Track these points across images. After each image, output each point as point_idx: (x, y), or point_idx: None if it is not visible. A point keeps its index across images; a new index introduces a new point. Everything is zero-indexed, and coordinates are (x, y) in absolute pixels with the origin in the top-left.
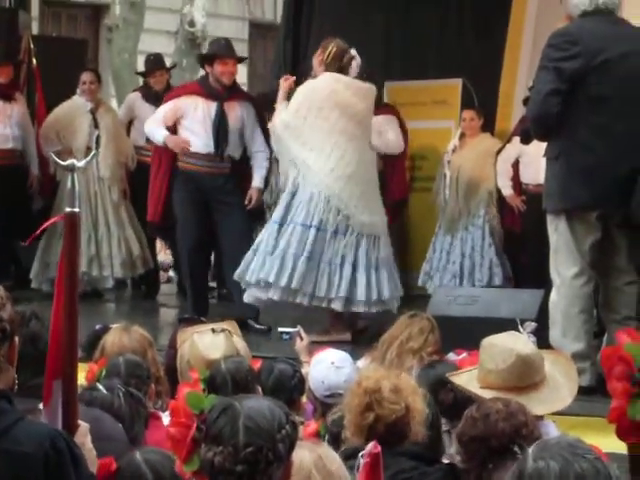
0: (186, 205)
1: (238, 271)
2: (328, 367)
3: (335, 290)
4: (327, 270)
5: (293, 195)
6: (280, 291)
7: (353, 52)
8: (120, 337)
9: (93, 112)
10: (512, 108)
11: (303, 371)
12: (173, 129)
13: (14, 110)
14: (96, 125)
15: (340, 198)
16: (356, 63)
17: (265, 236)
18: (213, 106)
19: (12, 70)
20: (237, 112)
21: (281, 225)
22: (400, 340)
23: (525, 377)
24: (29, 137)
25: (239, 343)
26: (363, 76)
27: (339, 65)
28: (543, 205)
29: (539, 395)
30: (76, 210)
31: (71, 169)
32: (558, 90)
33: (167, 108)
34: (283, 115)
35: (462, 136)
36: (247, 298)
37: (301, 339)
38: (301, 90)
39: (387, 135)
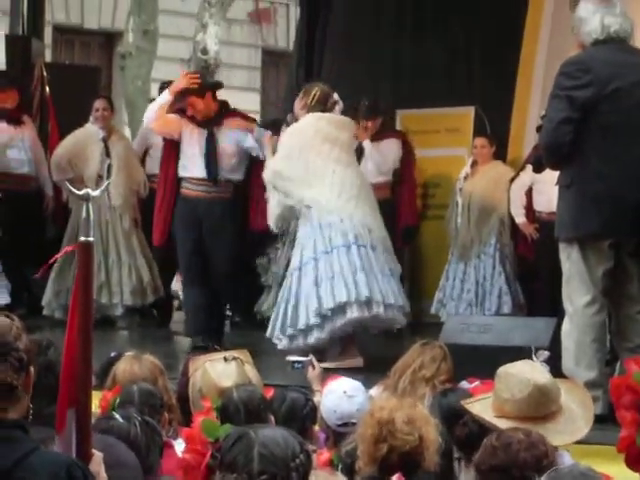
0: (183, 225)
1: (314, 307)
2: (340, 396)
3: (401, 299)
4: (385, 279)
5: (320, 226)
6: (356, 306)
7: (336, 96)
8: (131, 365)
9: (105, 140)
10: (524, 136)
11: (315, 400)
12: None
13: (25, 134)
14: (108, 153)
15: (358, 215)
16: (339, 107)
17: (322, 267)
18: (204, 132)
19: (18, 94)
20: (230, 134)
21: (327, 253)
22: (413, 368)
23: (542, 407)
24: (41, 159)
25: (251, 371)
26: (366, 104)
27: (323, 109)
28: (555, 233)
29: (556, 425)
30: (91, 239)
31: (86, 198)
32: (570, 118)
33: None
34: (272, 165)
35: (474, 164)
36: (319, 337)
37: (313, 368)
38: (286, 136)
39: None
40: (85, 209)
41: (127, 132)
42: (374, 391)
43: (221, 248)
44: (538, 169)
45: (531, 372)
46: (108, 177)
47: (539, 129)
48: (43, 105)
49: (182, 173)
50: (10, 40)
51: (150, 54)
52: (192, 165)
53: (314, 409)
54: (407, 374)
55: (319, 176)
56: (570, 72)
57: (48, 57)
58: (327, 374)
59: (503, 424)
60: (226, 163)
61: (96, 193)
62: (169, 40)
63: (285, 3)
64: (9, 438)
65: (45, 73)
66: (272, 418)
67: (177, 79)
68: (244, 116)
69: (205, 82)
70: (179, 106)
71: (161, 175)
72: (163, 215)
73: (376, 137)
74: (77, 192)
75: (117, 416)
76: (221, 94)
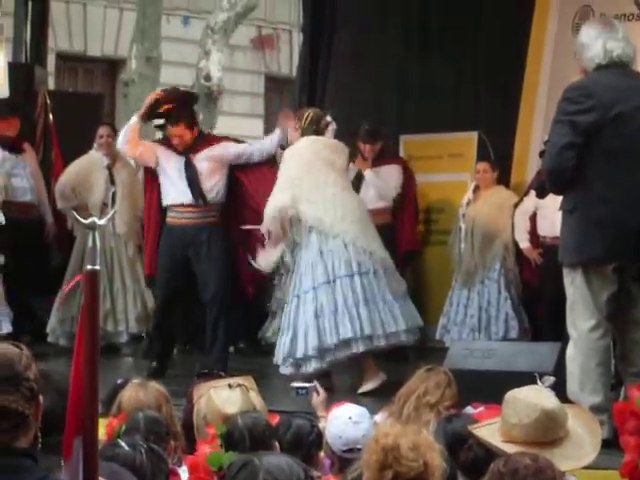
0: (166, 258)
1: (314, 342)
2: (346, 422)
3: (403, 322)
4: (387, 306)
5: (321, 253)
6: (361, 342)
7: (329, 118)
8: (137, 392)
9: (109, 167)
10: (527, 160)
11: (320, 426)
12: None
13: (26, 162)
14: (112, 181)
15: (360, 239)
16: (332, 128)
17: (324, 299)
18: (182, 160)
19: (19, 122)
20: (206, 156)
21: (328, 283)
22: (417, 394)
23: (549, 432)
24: (41, 187)
25: (255, 398)
26: (366, 128)
27: (316, 128)
28: (559, 258)
29: (562, 451)
30: (97, 268)
31: (92, 227)
32: (573, 144)
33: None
34: (275, 195)
35: (476, 189)
36: (318, 366)
37: (317, 394)
38: (284, 162)
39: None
40: (91, 238)
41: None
42: (379, 417)
43: (210, 273)
44: (541, 194)
45: (538, 397)
46: (113, 204)
47: (542, 154)
48: (47, 133)
49: (166, 201)
50: (13, 67)
51: (153, 81)
52: (175, 192)
53: (320, 435)
54: (411, 400)
55: (321, 196)
56: (573, 97)
57: (51, 85)
58: (332, 400)
59: (510, 449)
60: (206, 185)
61: (102, 222)
62: (172, 67)
63: (288, 29)
64: (19, 467)
65: (48, 101)
66: (277, 445)
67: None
68: (224, 138)
69: (182, 113)
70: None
71: (145, 205)
72: (150, 245)
73: (376, 163)
74: (83, 221)
75: (122, 444)
76: (224, 120)
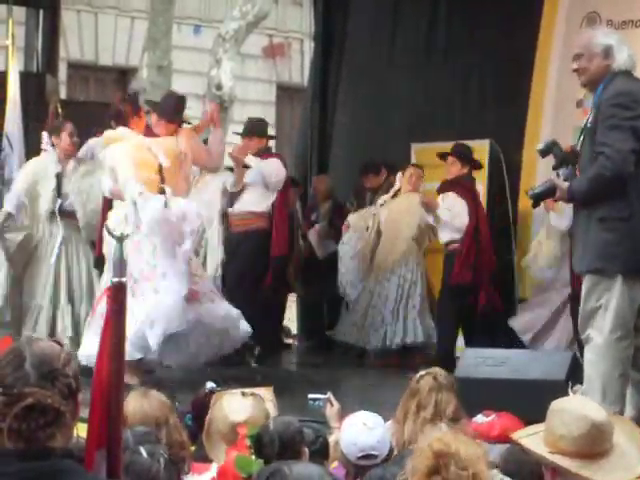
0: None
1: None
2: (360, 429)
3: None
4: None
5: None
6: None
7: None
8: (141, 404)
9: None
10: (536, 168)
11: (333, 437)
12: None
13: None
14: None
15: None
16: None
17: None
18: None
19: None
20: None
21: None
22: (412, 412)
23: (597, 444)
24: None
25: (272, 409)
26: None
27: None
28: (593, 265)
29: (608, 463)
30: (124, 280)
31: (121, 239)
32: (634, 150)
33: None
34: None
35: None
36: None
37: (332, 405)
38: None
39: None
40: (119, 249)
41: None
42: (388, 426)
43: None
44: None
45: (586, 408)
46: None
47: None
48: None
49: None
50: (25, 77)
51: (164, 90)
52: None
53: (325, 446)
54: (410, 420)
55: None
56: (624, 103)
57: (63, 94)
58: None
59: (560, 460)
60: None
61: (129, 231)
62: (183, 76)
63: (299, 38)
64: (57, 469)
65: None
66: (306, 451)
67: None
68: None
69: None
70: None
71: None
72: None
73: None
74: (114, 233)
75: (142, 450)
76: (235, 129)
